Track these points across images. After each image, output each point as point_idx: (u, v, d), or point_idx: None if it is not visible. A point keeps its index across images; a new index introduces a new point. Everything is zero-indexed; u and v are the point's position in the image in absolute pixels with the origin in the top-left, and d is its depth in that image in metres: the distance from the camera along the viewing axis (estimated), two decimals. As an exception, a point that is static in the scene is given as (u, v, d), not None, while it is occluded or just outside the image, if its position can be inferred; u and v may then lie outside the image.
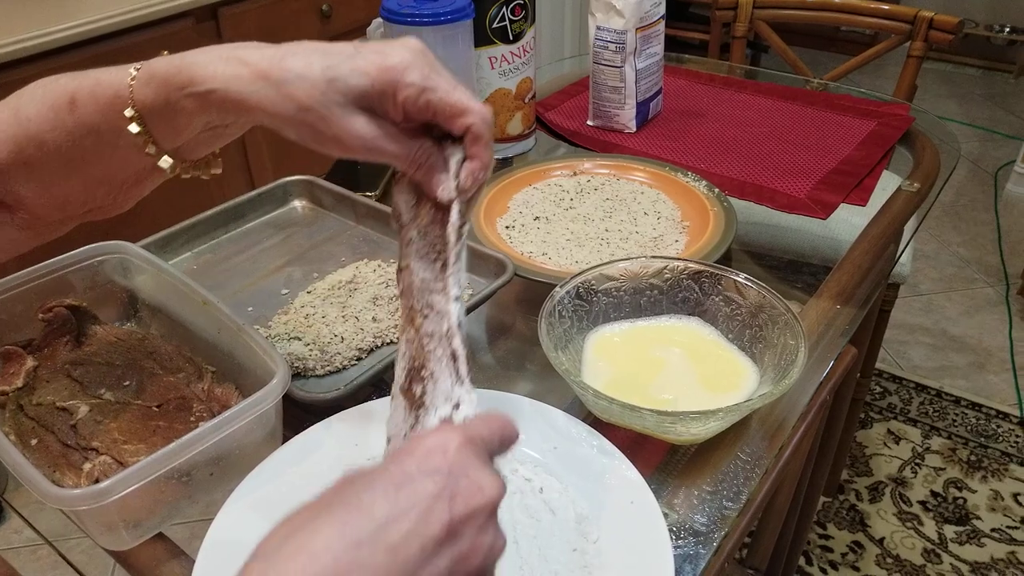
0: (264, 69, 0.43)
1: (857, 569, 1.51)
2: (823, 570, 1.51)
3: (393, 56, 0.44)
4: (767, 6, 1.54)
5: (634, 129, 1.08)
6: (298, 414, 0.61)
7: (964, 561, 1.51)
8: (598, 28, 1.03)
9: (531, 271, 0.75)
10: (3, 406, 0.61)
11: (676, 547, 0.53)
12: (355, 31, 1.86)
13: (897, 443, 1.77)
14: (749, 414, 0.62)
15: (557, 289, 0.66)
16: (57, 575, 1.41)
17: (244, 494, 0.54)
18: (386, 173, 0.98)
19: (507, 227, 0.85)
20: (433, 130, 0.47)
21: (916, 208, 0.94)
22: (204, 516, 0.53)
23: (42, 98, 0.47)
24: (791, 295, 0.80)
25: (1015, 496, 1.65)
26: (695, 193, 0.88)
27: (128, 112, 0.45)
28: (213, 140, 0.50)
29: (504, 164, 1.03)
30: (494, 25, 0.93)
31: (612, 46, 1.03)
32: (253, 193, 0.88)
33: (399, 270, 0.48)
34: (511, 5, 0.93)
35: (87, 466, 0.55)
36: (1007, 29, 3.38)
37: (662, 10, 1.06)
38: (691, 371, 0.65)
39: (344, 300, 0.74)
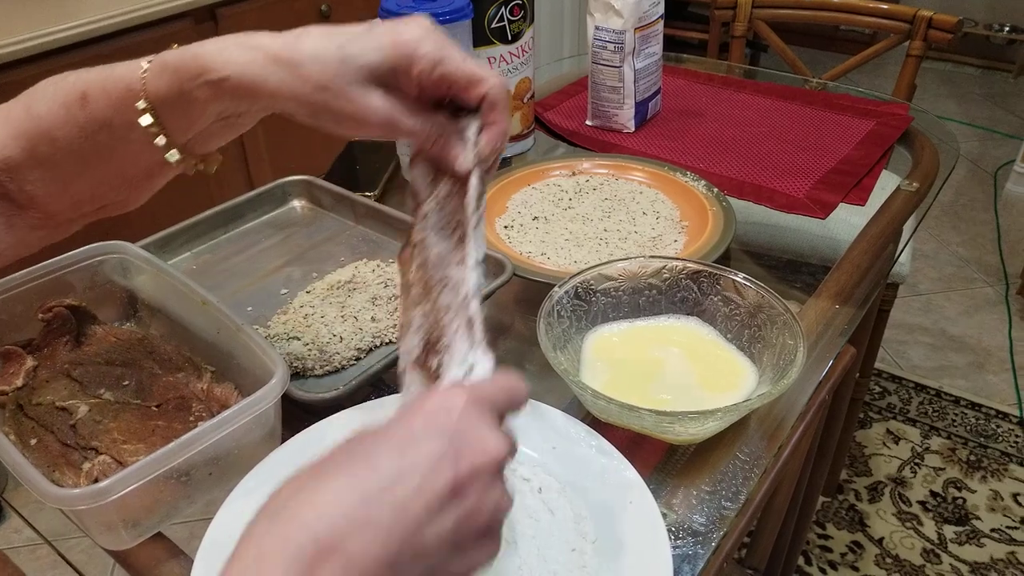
0: (277, 52, 0.44)
1: (856, 569, 1.51)
2: (822, 570, 1.51)
3: (406, 32, 0.44)
4: (766, 5, 1.54)
5: (633, 129, 1.08)
6: (297, 414, 0.61)
7: (963, 561, 1.51)
8: (597, 28, 1.03)
9: (530, 271, 0.75)
10: (3, 406, 0.61)
11: (675, 547, 0.53)
12: (354, 31, 1.86)
13: (896, 443, 1.78)
14: (748, 414, 0.62)
15: (556, 289, 0.66)
16: (56, 575, 1.41)
17: (243, 494, 0.54)
18: (385, 173, 0.98)
19: (506, 227, 0.85)
20: (447, 106, 0.48)
21: (915, 208, 0.94)
22: (203, 516, 0.54)
23: (53, 95, 0.47)
24: (790, 295, 0.80)
25: (1015, 496, 1.65)
26: (694, 193, 0.88)
27: (140, 104, 0.45)
28: (225, 132, 0.50)
29: (503, 164, 1.03)
30: (493, 25, 0.93)
31: (611, 46, 1.03)
32: (252, 193, 0.88)
33: (412, 244, 0.48)
34: (509, 5, 0.93)
35: (86, 466, 0.55)
36: (1006, 28, 3.38)
37: (661, 10, 1.06)
38: (690, 371, 0.65)
39: (343, 300, 0.74)
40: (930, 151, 1.05)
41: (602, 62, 1.05)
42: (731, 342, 0.67)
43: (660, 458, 0.61)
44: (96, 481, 0.51)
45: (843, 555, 1.54)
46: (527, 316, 0.77)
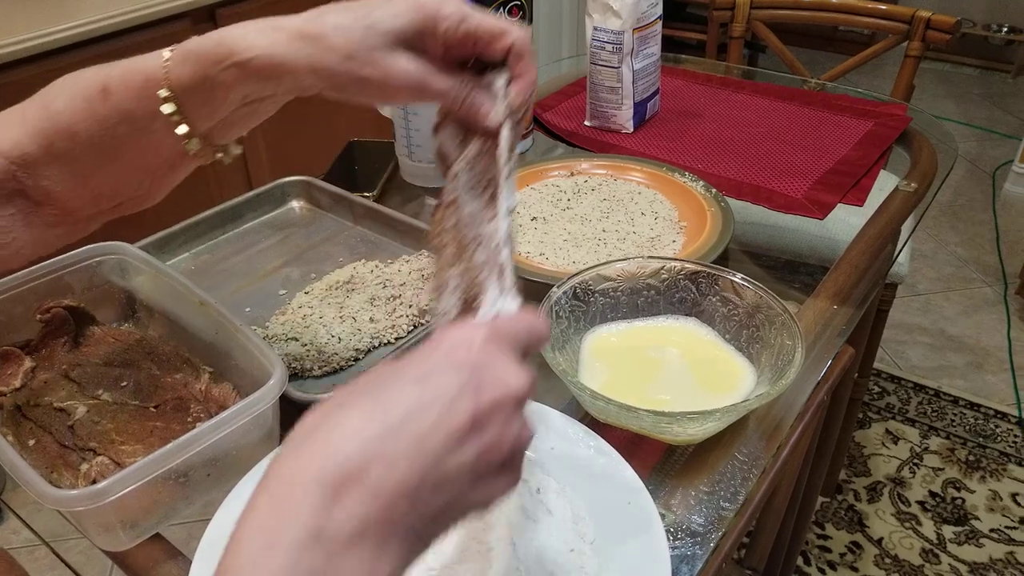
0: (301, 28, 0.45)
1: (855, 569, 1.51)
2: (821, 570, 1.51)
3: None
4: (764, 6, 1.55)
5: (631, 129, 1.08)
6: (295, 414, 0.60)
7: (962, 561, 1.52)
8: (595, 29, 1.03)
9: (528, 271, 0.75)
10: (1, 407, 0.61)
11: (673, 548, 0.53)
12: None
13: (895, 443, 1.78)
14: (746, 414, 0.62)
15: (554, 289, 0.66)
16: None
17: (241, 495, 0.54)
18: (384, 174, 0.98)
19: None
20: (471, 67, 0.48)
21: (913, 208, 0.94)
22: (201, 517, 0.53)
23: (72, 90, 0.47)
24: (788, 295, 0.80)
25: (1013, 496, 1.65)
26: (692, 193, 0.88)
27: (163, 93, 0.45)
28: (247, 119, 0.50)
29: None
30: (492, 26, 0.93)
31: (609, 47, 1.03)
32: (251, 194, 0.88)
33: (444, 205, 0.47)
34: (508, 6, 0.93)
35: (84, 467, 0.55)
36: (1005, 29, 3.39)
37: (659, 11, 1.06)
38: (688, 371, 0.65)
39: (341, 301, 0.74)
40: (928, 151, 1.05)
41: (600, 63, 1.05)
42: (729, 342, 0.67)
43: (658, 458, 0.61)
44: (94, 482, 0.51)
45: (842, 555, 1.54)
46: (526, 317, 0.77)
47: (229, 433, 0.53)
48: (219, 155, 0.51)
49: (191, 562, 0.50)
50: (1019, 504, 1.63)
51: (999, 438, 1.79)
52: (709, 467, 0.60)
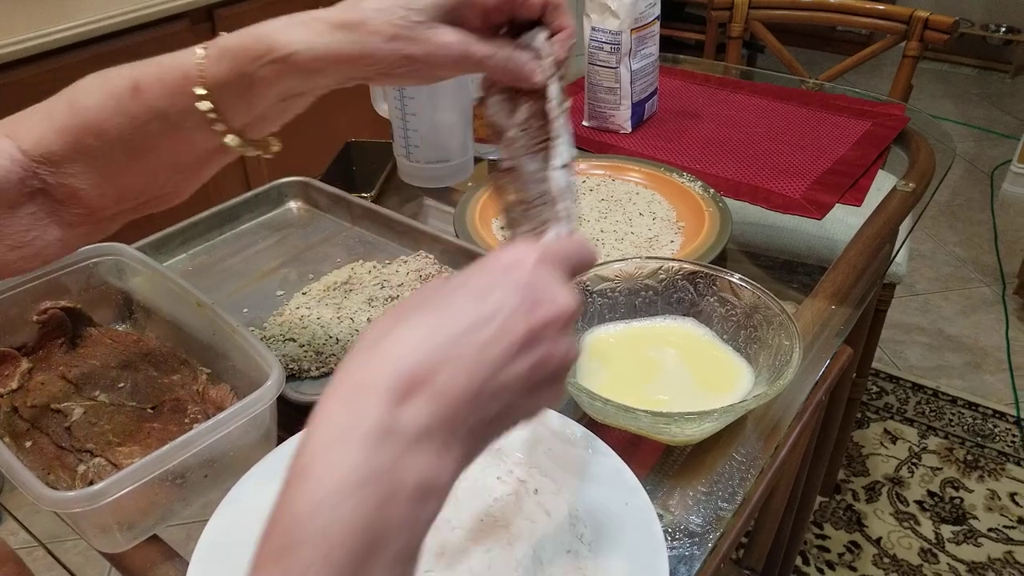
0: (340, 18, 0.45)
1: (854, 569, 1.51)
2: (820, 570, 1.51)
3: None
4: (763, 6, 1.55)
5: (629, 130, 1.08)
6: (293, 416, 0.61)
7: (961, 561, 1.52)
8: (593, 29, 1.03)
9: (526, 272, 0.75)
10: (-3, 408, 0.61)
11: (671, 548, 0.53)
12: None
13: (894, 443, 1.78)
14: (744, 415, 0.62)
15: (552, 290, 0.65)
16: (53, 577, 1.40)
17: (238, 496, 0.54)
18: (382, 174, 0.98)
19: (503, 227, 0.85)
20: (507, 33, 0.49)
21: (911, 208, 0.94)
22: (199, 518, 0.53)
23: (100, 88, 0.47)
24: (786, 295, 0.80)
25: (1012, 496, 1.65)
26: (690, 194, 0.88)
27: (199, 90, 0.46)
28: (282, 114, 0.50)
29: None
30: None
31: (607, 47, 1.03)
32: (249, 194, 0.88)
33: (506, 171, 0.48)
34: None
35: (81, 468, 0.55)
36: (1003, 29, 3.39)
37: (657, 11, 1.06)
38: (686, 372, 0.65)
39: (339, 301, 0.74)
40: (926, 151, 1.05)
41: (598, 63, 1.05)
42: (727, 343, 0.67)
43: (657, 459, 0.61)
44: (91, 483, 0.51)
45: (841, 555, 1.54)
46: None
47: (226, 434, 0.53)
48: (254, 151, 0.51)
49: (188, 563, 0.49)
50: (1017, 504, 1.63)
51: (997, 438, 1.79)
52: (707, 467, 0.60)
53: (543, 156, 0.47)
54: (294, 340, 0.69)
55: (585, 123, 1.11)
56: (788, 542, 1.28)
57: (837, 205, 0.91)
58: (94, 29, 1.48)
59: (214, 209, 0.85)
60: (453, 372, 0.33)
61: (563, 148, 0.46)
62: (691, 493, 0.58)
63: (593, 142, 1.06)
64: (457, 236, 0.82)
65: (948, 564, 1.51)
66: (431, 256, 0.80)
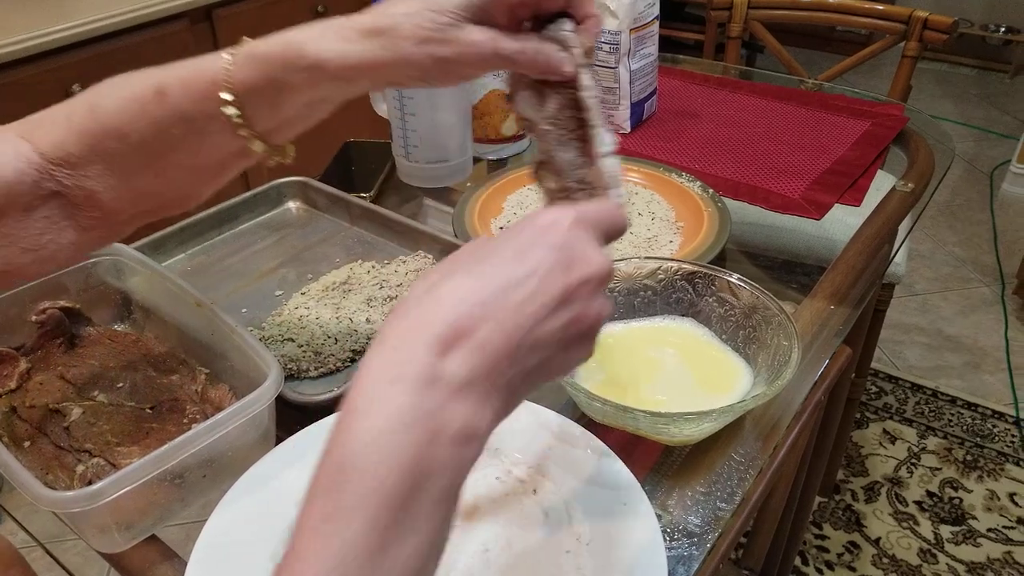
0: (370, 25, 0.46)
1: (853, 569, 1.51)
2: (819, 570, 1.51)
3: None
4: (762, 6, 1.55)
5: (628, 130, 1.08)
6: (292, 415, 0.61)
7: (960, 561, 1.52)
8: (593, 29, 1.03)
9: (525, 272, 0.75)
10: (-4, 408, 0.61)
11: (670, 548, 0.53)
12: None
13: (893, 443, 1.78)
14: (743, 415, 0.62)
15: (551, 290, 0.65)
16: (52, 577, 1.40)
17: (237, 496, 0.54)
18: (381, 174, 0.98)
19: (502, 228, 0.85)
20: (532, 29, 0.49)
21: (910, 208, 0.94)
22: (197, 518, 0.53)
23: (122, 91, 0.47)
24: (785, 295, 0.80)
25: (1011, 496, 1.65)
26: (689, 194, 0.88)
27: (225, 95, 0.46)
28: (306, 119, 0.51)
29: (499, 165, 1.03)
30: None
31: (606, 47, 1.03)
32: (247, 194, 0.88)
33: (541, 163, 0.49)
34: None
35: (80, 468, 0.55)
36: (1002, 29, 3.39)
37: (656, 11, 1.06)
38: (685, 372, 0.65)
39: (338, 301, 0.74)
40: (925, 151, 1.05)
41: (597, 63, 1.05)
42: (726, 343, 0.67)
43: (655, 459, 0.61)
44: (90, 484, 0.51)
45: (840, 555, 1.54)
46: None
47: (225, 434, 0.53)
48: (277, 156, 0.52)
49: (187, 563, 0.49)
50: (1016, 504, 1.63)
51: (996, 438, 1.79)
52: (706, 467, 0.60)
53: (577, 145, 0.48)
54: (293, 340, 0.69)
55: (584, 123, 1.11)
56: (787, 542, 1.28)
57: (836, 205, 0.91)
58: (93, 29, 1.48)
59: (213, 209, 0.85)
60: (493, 327, 0.34)
61: (605, 135, 0.47)
62: (690, 493, 0.58)
63: (592, 142, 1.06)
64: (456, 236, 0.82)
65: (947, 564, 1.51)
66: (430, 256, 0.80)
